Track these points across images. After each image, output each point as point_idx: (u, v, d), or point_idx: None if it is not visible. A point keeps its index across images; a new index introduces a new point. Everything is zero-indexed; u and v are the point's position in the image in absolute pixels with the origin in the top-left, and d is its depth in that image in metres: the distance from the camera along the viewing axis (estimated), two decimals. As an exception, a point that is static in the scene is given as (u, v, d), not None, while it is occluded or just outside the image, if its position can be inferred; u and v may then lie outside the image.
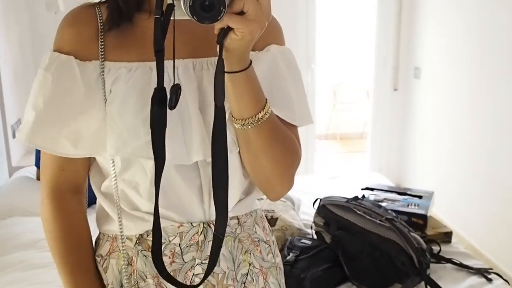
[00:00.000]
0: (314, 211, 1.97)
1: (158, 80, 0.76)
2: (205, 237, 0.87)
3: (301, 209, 2.28)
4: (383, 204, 2.14)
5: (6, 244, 1.90)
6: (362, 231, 1.76)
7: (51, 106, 0.82)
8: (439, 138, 3.39)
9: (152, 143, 0.77)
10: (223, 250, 0.88)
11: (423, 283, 1.72)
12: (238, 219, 0.92)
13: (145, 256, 0.87)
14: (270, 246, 0.99)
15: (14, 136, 2.93)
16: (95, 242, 0.94)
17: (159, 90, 0.76)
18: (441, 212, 3.23)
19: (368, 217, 1.80)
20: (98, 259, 0.91)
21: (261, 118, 0.79)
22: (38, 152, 2.45)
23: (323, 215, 1.87)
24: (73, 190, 0.91)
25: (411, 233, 1.79)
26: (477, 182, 2.93)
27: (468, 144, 2.99)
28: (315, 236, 1.96)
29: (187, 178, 0.85)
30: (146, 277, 0.87)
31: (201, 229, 0.87)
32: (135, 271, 0.88)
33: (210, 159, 0.80)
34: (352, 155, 5.22)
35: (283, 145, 0.85)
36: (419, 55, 3.61)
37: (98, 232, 0.94)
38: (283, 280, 1.02)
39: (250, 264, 0.93)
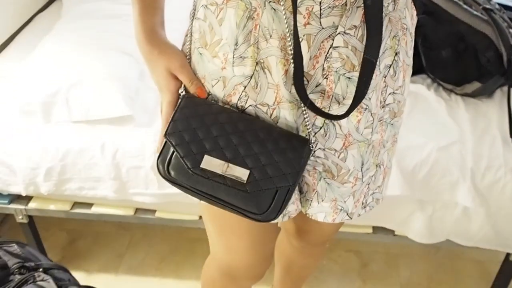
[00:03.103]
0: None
1: None
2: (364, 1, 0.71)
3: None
4: (491, -5, 1.84)
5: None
6: (450, 18, 1.53)
7: None
8: None
9: None
10: None
11: (506, 88, 1.54)
12: None
13: (274, 9, 0.71)
14: (412, 40, 0.84)
15: None
16: None
17: None
18: None
19: (462, 4, 1.56)
20: (213, 8, 0.76)
21: None
22: None
23: (410, -3, 1.64)
24: None
25: (511, 30, 1.54)
26: None
27: None
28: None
29: None
30: (271, 36, 0.72)
31: None
32: (257, 26, 0.72)
33: None
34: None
35: None
36: None
37: None
38: None
39: (396, 54, 0.80)
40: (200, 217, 1.58)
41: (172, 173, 0.78)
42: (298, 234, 1.19)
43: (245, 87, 0.78)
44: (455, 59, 1.55)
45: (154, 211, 1.61)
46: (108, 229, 1.95)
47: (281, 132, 0.79)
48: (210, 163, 0.75)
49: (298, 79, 0.73)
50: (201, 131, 0.77)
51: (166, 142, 0.79)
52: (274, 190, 0.77)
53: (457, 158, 1.39)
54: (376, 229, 1.57)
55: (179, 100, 0.81)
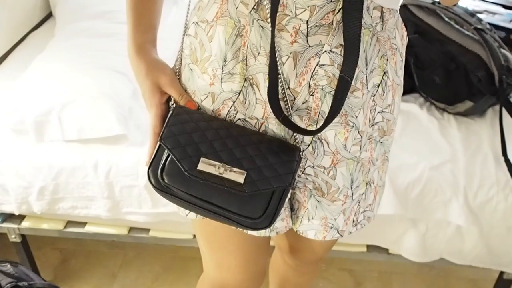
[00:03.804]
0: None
1: None
2: (342, 18, 0.72)
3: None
4: (482, 16, 1.86)
5: (77, 13, 1.92)
6: (442, 38, 1.55)
7: None
8: None
9: None
10: None
11: (498, 107, 1.55)
12: (382, 12, 0.76)
13: (262, 27, 0.73)
14: (402, 60, 0.85)
15: None
16: (198, 6, 0.82)
17: None
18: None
19: (454, 24, 1.58)
20: (203, 25, 0.79)
21: None
22: None
23: (402, 17, 1.66)
24: None
25: (501, 49, 1.56)
26: None
27: None
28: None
29: None
30: (259, 53, 0.75)
31: (340, 7, 0.71)
32: (246, 44, 0.75)
33: None
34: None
35: None
36: None
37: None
38: None
39: (384, 74, 0.80)
40: (194, 236, 1.57)
41: (166, 178, 0.77)
42: (291, 252, 1.19)
43: (234, 102, 0.79)
44: (447, 78, 1.56)
45: (148, 230, 1.60)
46: (101, 248, 1.93)
47: (273, 138, 0.80)
48: (207, 165, 0.76)
49: (272, 93, 0.75)
50: (196, 135, 0.78)
51: (157, 151, 0.80)
52: (270, 193, 0.77)
53: (449, 177, 1.40)
54: (370, 247, 1.57)
55: (172, 109, 0.83)
